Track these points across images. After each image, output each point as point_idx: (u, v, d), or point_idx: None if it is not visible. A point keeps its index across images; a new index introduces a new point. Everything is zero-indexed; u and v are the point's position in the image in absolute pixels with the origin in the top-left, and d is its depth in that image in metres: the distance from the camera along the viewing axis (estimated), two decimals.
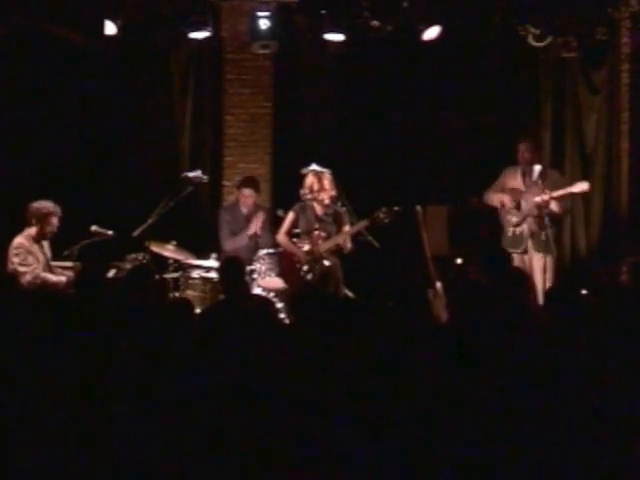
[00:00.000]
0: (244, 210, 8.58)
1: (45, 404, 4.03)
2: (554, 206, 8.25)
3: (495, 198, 8.44)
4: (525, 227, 8.33)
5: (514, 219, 8.36)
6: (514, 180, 8.43)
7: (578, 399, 4.24)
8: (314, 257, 8.11)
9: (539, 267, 8.22)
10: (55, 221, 7.66)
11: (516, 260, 8.34)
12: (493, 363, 4.52)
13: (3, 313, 5.07)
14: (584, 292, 6.05)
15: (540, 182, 8.31)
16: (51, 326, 4.68)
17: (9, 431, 3.96)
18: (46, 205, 7.64)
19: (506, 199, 8.37)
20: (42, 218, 7.61)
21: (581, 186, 8.36)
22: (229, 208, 8.82)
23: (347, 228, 8.25)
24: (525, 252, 8.31)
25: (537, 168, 8.40)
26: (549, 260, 8.26)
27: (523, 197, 8.33)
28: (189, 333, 4.76)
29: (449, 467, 3.94)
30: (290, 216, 8.32)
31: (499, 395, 4.25)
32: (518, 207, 8.34)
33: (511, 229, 8.39)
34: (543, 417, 4.14)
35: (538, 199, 8.19)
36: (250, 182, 8.68)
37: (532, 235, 8.30)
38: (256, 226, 8.43)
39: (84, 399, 4.09)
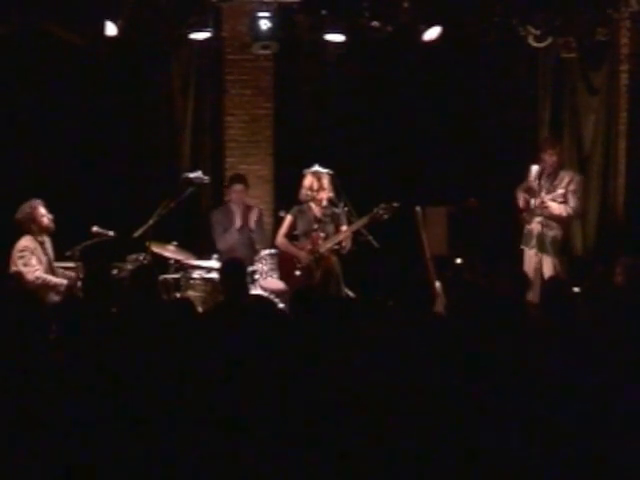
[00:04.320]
0: (235, 209, 8.61)
1: (48, 404, 4.05)
2: (554, 209, 8.32)
3: (519, 196, 8.51)
4: (533, 226, 8.40)
5: (527, 217, 8.49)
6: (533, 179, 8.49)
7: (574, 396, 4.27)
8: (315, 257, 8.14)
9: (545, 266, 8.32)
10: (43, 211, 7.70)
11: (528, 256, 8.43)
12: (491, 362, 4.54)
13: (7, 312, 5.09)
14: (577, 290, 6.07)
15: (539, 182, 8.39)
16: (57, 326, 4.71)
17: (11, 432, 3.98)
18: (26, 205, 7.68)
19: (521, 198, 8.46)
20: (32, 217, 7.65)
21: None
22: (220, 209, 8.85)
23: (345, 228, 8.27)
24: (535, 250, 8.43)
25: (534, 168, 8.46)
26: (546, 259, 8.34)
27: (534, 197, 8.39)
28: (191, 333, 4.78)
29: (448, 463, 3.96)
30: (288, 219, 8.36)
31: (498, 394, 4.28)
32: (527, 206, 8.41)
33: (526, 226, 8.53)
34: (541, 415, 4.16)
35: (537, 201, 8.29)
36: (238, 178, 8.77)
37: (537, 234, 8.37)
38: (242, 218, 8.47)
39: (86, 399, 4.11)
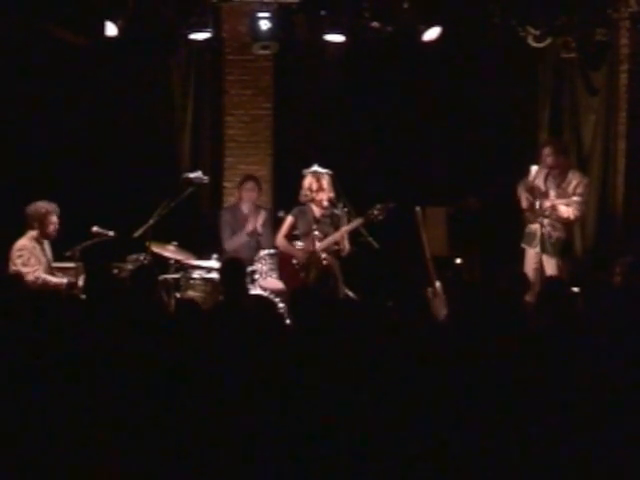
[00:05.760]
0: (245, 210, 8.64)
1: (49, 405, 4.06)
2: (562, 212, 8.33)
3: (522, 196, 8.49)
4: (538, 226, 8.38)
5: (530, 217, 8.48)
6: (538, 179, 8.47)
7: (572, 396, 4.28)
8: (312, 257, 8.14)
9: (548, 267, 8.33)
10: (55, 219, 7.70)
11: (530, 256, 8.42)
12: (490, 361, 4.55)
13: (9, 313, 5.09)
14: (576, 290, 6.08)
15: (544, 183, 8.39)
16: (59, 327, 4.71)
17: (12, 431, 3.99)
18: (43, 205, 7.67)
19: (523, 198, 8.45)
20: (42, 219, 7.64)
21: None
22: (230, 209, 8.89)
23: (342, 229, 8.27)
24: (538, 249, 8.41)
25: (534, 168, 8.47)
26: (549, 260, 8.35)
27: (539, 197, 8.37)
28: (197, 333, 4.78)
29: (447, 464, 3.97)
30: (288, 220, 8.35)
31: (496, 393, 4.28)
32: (532, 207, 8.40)
33: (528, 225, 8.51)
34: (539, 414, 4.17)
35: (546, 203, 8.29)
36: (251, 177, 8.80)
37: (542, 235, 8.36)
38: (254, 223, 8.49)
39: (88, 398, 4.12)
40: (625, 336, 4.90)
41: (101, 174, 9.27)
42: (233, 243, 8.51)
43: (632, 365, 4.57)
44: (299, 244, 8.31)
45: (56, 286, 7.59)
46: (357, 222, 8.21)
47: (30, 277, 7.48)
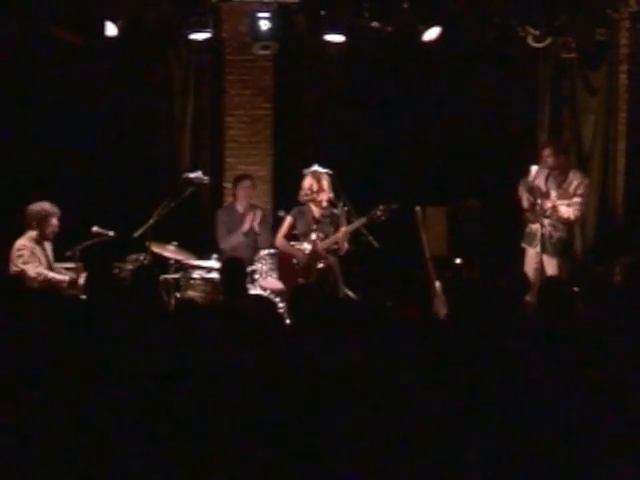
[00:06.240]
0: (240, 209, 8.65)
1: (52, 405, 4.06)
2: (563, 212, 8.33)
3: (523, 196, 8.49)
4: (538, 226, 8.38)
5: (531, 217, 8.47)
6: (539, 180, 8.46)
7: (572, 396, 4.28)
8: (313, 257, 8.15)
9: (549, 267, 8.33)
10: (55, 221, 7.68)
11: (530, 256, 8.42)
12: (490, 361, 4.55)
13: (11, 314, 5.10)
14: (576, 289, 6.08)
15: (545, 184, 8.39)
16: (59, 327, 4.72)
17: (12, 431, 3.99)
18: (44, 207, 7.65)
19: (524, 198, 8.45)
20: (41, 220, 7.63)
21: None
22: (225, 209, 8.91)
23: (344, 229, 8.28)
24: (538, 249, 8.40)
25: (534, 169, 8.47)
26: (550, 260, 8.35)
27: (540, 198, 8.37)
28: (197, 333, 4.78)
29: (446, 465, 3.97)
30: (288, 220, 8.37)
31: (496, 393, 4.28)
32: (533, 207, 8.39)
33: (529, 225, 8.51)
34: (539, 415, 4.17)
35: (547, 204, 8.29)
36: (247, 176, 8.84)
37: (542, 235, 8.36)
38: (250, 222, 8.50)
39: (90, 398, 4.12)
40: (625, 336, 4.91)
41: (101, 174, 9.28)
42: (230, 242, 8.52)
43: (632, 365, 4.57)
44: (300, 244, 8.31)
45: (58, 283, 7.58)
46: (360, 222, 8.22)
47: (32, 273, 7.47)
